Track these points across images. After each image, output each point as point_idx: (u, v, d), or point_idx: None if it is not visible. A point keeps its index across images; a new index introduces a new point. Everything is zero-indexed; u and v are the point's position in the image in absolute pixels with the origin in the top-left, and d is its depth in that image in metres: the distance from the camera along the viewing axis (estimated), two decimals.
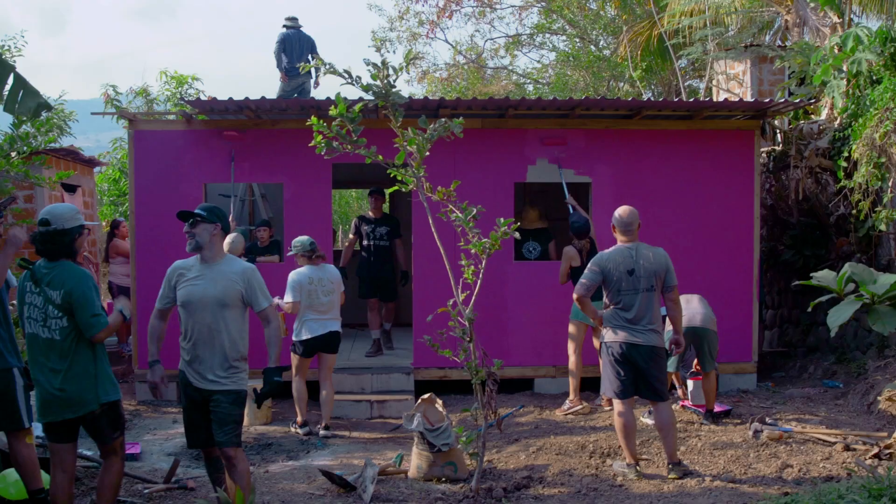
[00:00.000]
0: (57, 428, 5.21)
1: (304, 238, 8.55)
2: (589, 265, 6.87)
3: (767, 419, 8.17)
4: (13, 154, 9.07)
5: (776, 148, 12.01)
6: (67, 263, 5.15)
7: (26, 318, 5.13)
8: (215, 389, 5.45)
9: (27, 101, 5.83)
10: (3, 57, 6.49)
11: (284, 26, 12.52)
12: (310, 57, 12.19)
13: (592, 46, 21.82)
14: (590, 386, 9.66)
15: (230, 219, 9.57)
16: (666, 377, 6.94)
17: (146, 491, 6.61)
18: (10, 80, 5.85)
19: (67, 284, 5.03)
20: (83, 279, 5.09)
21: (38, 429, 7.27)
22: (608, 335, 6.78)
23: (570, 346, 9.29)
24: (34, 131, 9.15)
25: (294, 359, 8.55)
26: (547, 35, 23.79)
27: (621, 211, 6.85)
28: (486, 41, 24.84)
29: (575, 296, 6.87)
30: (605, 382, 6.94)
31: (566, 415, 9.02)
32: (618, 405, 6.78)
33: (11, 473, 5.96)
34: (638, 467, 6.80)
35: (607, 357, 6.80)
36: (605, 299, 6.86)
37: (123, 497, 6.25)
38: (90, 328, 5.07)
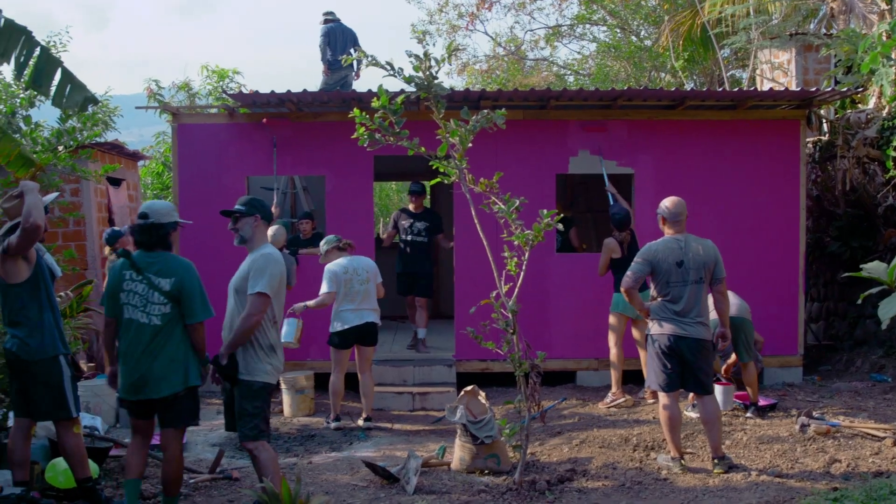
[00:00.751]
0: (137, 406, 5.47)
1: (328, 237, 8.64)
2: (637, 256, 6.79)
3: (814, 413, 8.06)
4: (60, 148, 9.17)
5: (822, 138, 11.83)
6: (171, 255, 5.50)
7: (123, 304, 5.37)
8: (237, 379, 5.51)
9: (74, 95, 5.92)
10: (51, 54, 6.55)
11: (326, 20, 12.54)
12: (352, 50, 12.24)
13: (633, 37, 21.65)
14: (632, 378, 9.60)
15: (273, 206, 9.65)
16: (712, 370, 6.87)
17: (192, 481, 6.68)
18: (58, 75, 5.93)
19: (179, 274, 5.36)
20: (191, 270, 5.46)
21: (85, 419, 7.40)
22: (655, 327, 6.69)
23: (611, 339, 9.23)
24: (80, 126, 9.25)
25: (332, 352, 8.54)
26: (587, 26, 23.65)
27: (669, 202, 6.77)
28: (525, 32, 24.77)
29: (622, 287, 6.78)
30: (650, 375, 6.88)
31: (609, 407, 8.97)
32: (663, 398, 6.71)
33: (61, 462, 6.04)
34: (683, 461, 6.73)
35: (654, 349, 6.71)
36: (651, 291, 6.79)
37: None
38: (196, 315, 5.41)
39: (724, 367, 8.91)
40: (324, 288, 8.34)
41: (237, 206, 5.70)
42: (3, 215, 5.61)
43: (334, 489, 6.44)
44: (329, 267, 8.42)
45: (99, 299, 10.39)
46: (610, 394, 9.16)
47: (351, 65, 11.90)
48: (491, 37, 24.70)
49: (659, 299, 6.68)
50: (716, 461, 6.66)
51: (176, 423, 5.53)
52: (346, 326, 8.38)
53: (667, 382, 6.65)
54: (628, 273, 6.74)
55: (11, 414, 7.02)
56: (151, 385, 5.35)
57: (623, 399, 9.03)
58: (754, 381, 8.49)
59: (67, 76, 6.29)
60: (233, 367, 5.39)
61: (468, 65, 24.34)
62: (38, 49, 6.53)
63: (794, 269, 10.27)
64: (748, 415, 8.40)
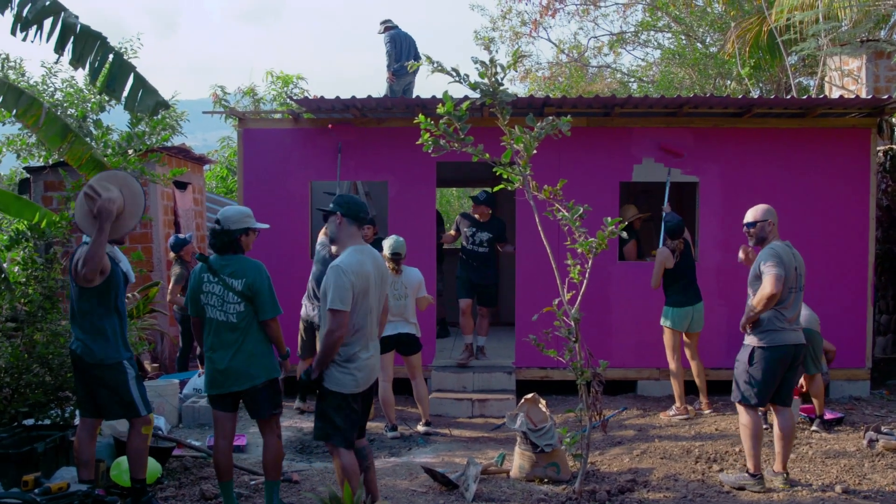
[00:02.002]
0: (222, 399, 5.83)
1: (395, 243, 8.33)
2: (770, 262, 6.40)
3: (883, 428, 7.88)
4: (130, 152, 9.37)
5: (893, 147, 11.57)
6: (243, 257, 5.85)
7: (204, 304, 5.78)
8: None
9: (146, 100, 6.03)
10: (124, 59, 6.70)
11: (387, 28, 12.61)
12: (417, 56, 12.27)
13: (698, 43, 21.41)
14: (691, 390, 9.47)
15: None
16: (798, 381, 6.73)
17: (252, 482, 6.75)
18: (131, 80, 6.05)
19: (249, 276, 5.72)
20: (261, 270, 5.80)
21: (158, 420, 7.54)
22: (768, 338, 6.41)
23: (668, 352, 9.09)
24: (149, 130, 9.45)
25: None
26: (652, 32, 23.46)
27: (770, 208, 6.69)
28: (589, 39, 24.64)
29: (771, 292, 6.31)
30: (745, 389, 6.49)
31: (671, 418, 8.87)
32: (750, 412, 6.47)
33: (126, 461, 6.15)
34: (762, 478, 6.52)
35: (765, 362, 6.40)
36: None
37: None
38: (266, 312, 5.75)
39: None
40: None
41: (331, 205, 5.71)
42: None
43: (394, 494, 6.45)
44: None
45: (164, 300, 10.59)
46: (673, 407, 9.05)
47: (415, 70, 11.89)
48: (554, 43, 24.63)
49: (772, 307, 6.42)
50: (785, 476, 6.52)
51: (260, 413, 5.87)
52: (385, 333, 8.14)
53: (767, 396, 6.46)
54: (775, 279, 6.33)
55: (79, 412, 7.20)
56: (233, 379, 5.72)
57: (686, 414, 8.91)
58: (821, 393, 8.33)
59: (140, 81, 6.42)
60: (320, 381, 5.49)
61: (531, 71, 24.29)
62: (111, 55, 6.68)
63: (862, 279, 10.06)
64: (814, 428, 8.25)
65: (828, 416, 8.40)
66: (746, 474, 6.55)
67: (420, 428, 8.59)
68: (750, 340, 6.55)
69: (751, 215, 6.73)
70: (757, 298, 6.43)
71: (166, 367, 11.20)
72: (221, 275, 5.72)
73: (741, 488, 6.49)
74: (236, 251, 5.83)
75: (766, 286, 6.34)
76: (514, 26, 23.76)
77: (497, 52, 22.88)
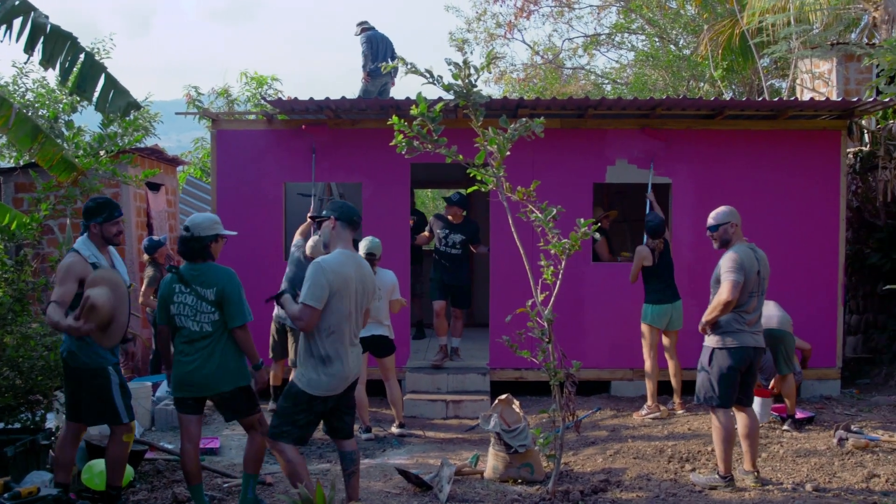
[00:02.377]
0: (187, 402, 5.82)
1: (370, 243, 8.25)
2: (731, 266, 6.40)
3: (853, 427, 7.96)
4: (102, 153, 9.30)
5: (863, 148, 11.70)
6: (214, 265, 5.79)
7: (175, 315, 5.72)
8: None
9: (117, 101, 6.00)
10: (95, 59, 6.65)
11: (363, 29, 12.59)
12: (390, 58, 12.26)
13: (672, 46, 21.52)
14: (664, 389, 9.53)
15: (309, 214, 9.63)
16: (756, 382, 6.78)
17: (225, 485, 6.73)
18: (102, 80, 6.02)
19: (220, 283, 5.68)
20: (232, 278, 5.76)
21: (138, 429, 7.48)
22: (728, 340, 6.43)
23: (645, 350, 9.17)
24: (121, 131, 9.38)
25: None
26: (625, 34, 23.57)
27: (732, 210, 6.67)
28: (563, 41, 24.72)
29: (727, 299, 6.34)
30: (707, 391, 6.50)
31: (644, 418, 8.91)
32: (720, 414, 6.47)
33: (97, 464, 6.12)
34: (733, 480, 6.57)
35: (723, 364, 6.42)
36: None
37: (206, 492, 6.35)
38: (235, 320, 5.69)
39: (772, 385, 8.77)
40: None
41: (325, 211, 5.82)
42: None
43: (367, 496, 6.44)
44: None
45: (136, 303, 10.52)
46: (645, 406, 9.11)
47: (390, 72, 11.85)
48: (529, 45, 24.70)
49: (732, 311, 6.44)
50: (756, 475, 6.57)
51: (237, 416, 5.94)
52: None
53: (731, 398, 6.46)
54: (732, 285, 6.33)
55: (50, 416, 7.15)
56: (199, 386, 5.71)
57: (658, 413, 8.97)
58: (793, 393, 8.41)
59: (111, 81, 6.38)
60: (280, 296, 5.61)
61: (505, 73, 24.34)
62: (82, 55, 6.63)
63: (833, 280, 10.16)
64: (785, 427, 8.32)
65: (799, 415, 8.48)
66: (717, 476, 6.59)
67: (394, 429, 8.58)
68: (709, 342, 6.58)
69: (712, 219, 6.72)
70: (713, 304, 6.49)
71: (139, 369, 11.12)
72: (193, 285, 5.67)
73: (713, 489, 6.54)
74: (205, 258, 5.78)
75: (723, 292, 6.39)
76: (489, 28, 23.82)
77: (472, 53, 22.97)
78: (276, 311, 9.06)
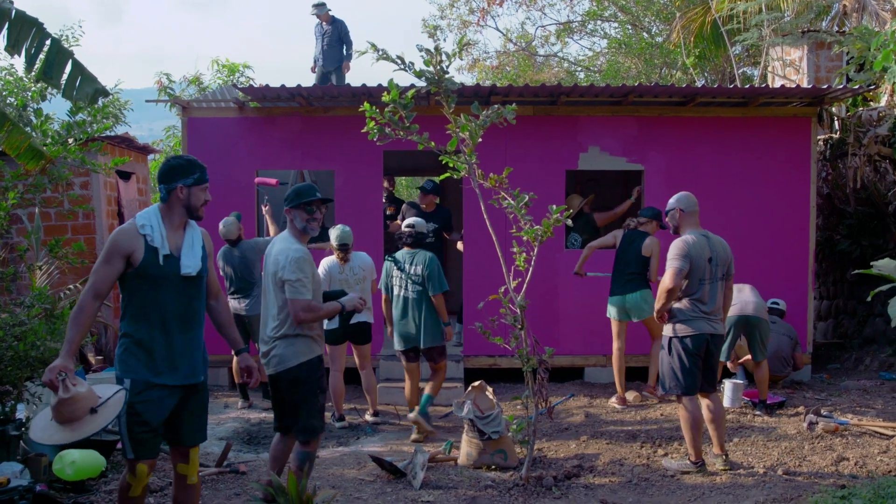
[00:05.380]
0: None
1: (341, 232, 8.23)
2: (675, 253, 6.41)
3: (822, 411, 8.04)
4: (70, 140, 9.20)
5: (833, 136, 11.79)
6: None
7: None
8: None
9: (85, 87, 5.93)
10: (62, 45, 6.57)
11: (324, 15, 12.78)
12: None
13: (645, 33, 21.60)
14: (639, 375, 9.58)
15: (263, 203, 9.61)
16: (719, 367, 6.79)
17: (199, 474, 6.68)
18: (69, 67, 5.94)
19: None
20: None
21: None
22: (682, 328, 6.45)
23: (614, 342, 9.12)
24: (90, 119, 9.27)
25: (327, 349, 8.41)
26: (598, 22, 23.60)
27: (683, 195, 6.60)
28: (536, 28, 24.74)
29: (668, 286, 6.37)
30: (671, 379, 6.53)
31: (617, 404, 8.94)
32: (686, 401, 6.50)
33: (69, 454, 6.05)
34: (704, 465, 6.62)
35: (680, 352, 6.44)
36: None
37: None
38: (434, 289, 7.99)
39: (731, 360, 8.87)
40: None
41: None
42: None
43: (341, 483, 6.44)
44: (325, 263, 8.27)
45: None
46: (615, 397, 9.07)
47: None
48: (502, 33, 24.72)
49: (685, 299, 6.46)
50: (725, 458, 6.62)
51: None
52: (336, 325, 8.13)
53: (693, 385, 6.47)
54: (674, 273, 6.36)
55: (20, 406, 7.07)
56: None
57: (624, 405, 8.91)
58: (765, 379, 8.47)
59: (78, 68, 6.30)
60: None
61: (479, 61, 24.32)
62: (49, 41, 6.54)
63: (803, 266, 10.24)
64: (756, 412, 8.38)
65: (770, 400, 8.55)
66: (689, 462, 6.64)
67: (368, 417, 8.57)
68: (666, 330, 6.60)
69: (668, 204, 6.72)
70: (658, 292, 6.54)
71: (110, 358, 11.04)
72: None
73: (685, 473, 6.59)
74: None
75: (665, 280, 6.43)
76: (462, 15, 23.77)
77: (445, 40, 22.90)
78: (232, 304, 8.94)
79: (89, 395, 4.29)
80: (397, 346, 8.16)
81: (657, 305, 6.55)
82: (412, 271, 7.92)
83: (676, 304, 6.49)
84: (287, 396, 5.51)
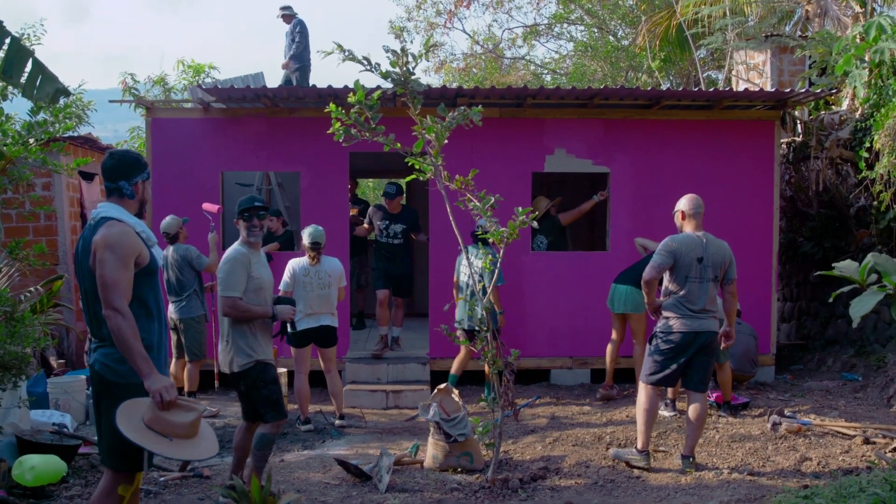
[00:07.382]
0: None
1: (314, 231, 8.25)
2: (659, 249, 6.66)
3: (786, 412, 8.11)
4: (31, 141, 9.04)
5: (796, 139, 11.90)
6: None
7: None
8: None
9: (45, 87, 5.83)
10: (22, 44, 6.46)
11: (291, 16, 12.79)
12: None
13: (610, 36, 21.69)
14: (602, 377, 9.62)
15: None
16: (711, 368, 6.83)
17: (162, 479, 6.61)
18: (29, 66, 5.84)
19: None
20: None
21: (54, 416, 7.30)
22: (667, 324, 6.60)
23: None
24: (52, 119, 9.11)
25: (292, 352, 8.38)
26: (565, 25, 23.67)
27: (691, 197, 6.77)
28: (503, 31, 24.76)
29: (646, 277, 6.61)
30: (646, 368, 6.71)
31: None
32: (647, 390, 6.63)
33: (28, 459, 5.96)
34: (651, 455, 6.72)
35: (660, 344, 6.61)
36: (665, 285, 6.71)
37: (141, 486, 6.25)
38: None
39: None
40: (280, 285, 8.20)
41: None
42: None
43: (306, 487, 6.40)
44: (291, 263, 8.29)
45: (69, 294, 10.29)
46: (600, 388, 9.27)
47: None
48: (469, 35, 24.69)
49: (671, 295, 6.61)
50: (692, 460, 6.65)
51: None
52: (299, 329, 8.06)
53: (665, 378, 6.61)
54: (651, 266, 6.60)
55: None
56: None
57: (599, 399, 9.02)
58: (729, 380, 8.53)
59: (39, 67, 6.18)
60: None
61: (446, 63, 24.29)
62: (8, 39, 6.42)
63: (766, 268, 10.33)
64: (721, 413, 8.44)
65: (734, 401, 8.61)
66: (634, 450, 6.76)
67: (335, 421, 8.53)
68: (657, 324, 6.74)
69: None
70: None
71: (73, 362, 10.89)
72: None
73: (627, 463, 6.71)
74: None
75: (644, 272, 6.66)
76: (429, 17, 23.74)
77: (412, 42, 22.85)
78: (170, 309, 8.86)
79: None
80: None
81: (646, 300, 6.81)
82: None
83: (667, 300, 6.64)
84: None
